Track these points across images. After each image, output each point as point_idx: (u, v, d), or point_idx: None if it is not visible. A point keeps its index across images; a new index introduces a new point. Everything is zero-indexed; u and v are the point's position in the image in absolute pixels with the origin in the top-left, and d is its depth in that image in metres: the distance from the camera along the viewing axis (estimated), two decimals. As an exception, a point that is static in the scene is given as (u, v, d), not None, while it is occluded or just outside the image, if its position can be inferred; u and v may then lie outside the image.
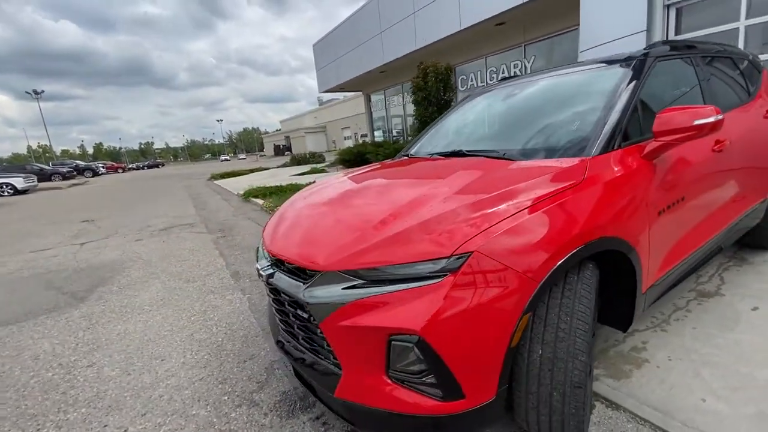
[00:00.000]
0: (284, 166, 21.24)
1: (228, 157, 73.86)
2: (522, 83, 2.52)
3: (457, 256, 1.17)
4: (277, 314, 1.75)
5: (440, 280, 1.17)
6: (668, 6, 6.01)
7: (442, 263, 1.18)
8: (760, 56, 4.15)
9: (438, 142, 2.57)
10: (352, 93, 25.31)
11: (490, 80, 13.07)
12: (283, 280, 1.52)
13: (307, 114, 65.09)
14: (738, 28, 5.36)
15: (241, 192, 10.15)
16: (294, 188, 9.30)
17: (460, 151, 2.06)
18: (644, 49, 2.07)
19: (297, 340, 1.59)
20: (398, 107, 18.49)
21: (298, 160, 20.96)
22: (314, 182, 2.46)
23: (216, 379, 2.20)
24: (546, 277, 1.22)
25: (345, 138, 45.16)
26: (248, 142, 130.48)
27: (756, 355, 1.84)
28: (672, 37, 6.13)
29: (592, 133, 1.69)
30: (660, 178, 1.71)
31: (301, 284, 1.40)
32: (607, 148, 1.63)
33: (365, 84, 19.10)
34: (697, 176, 1.94)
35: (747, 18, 5.30)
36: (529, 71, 11.75)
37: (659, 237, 1.68)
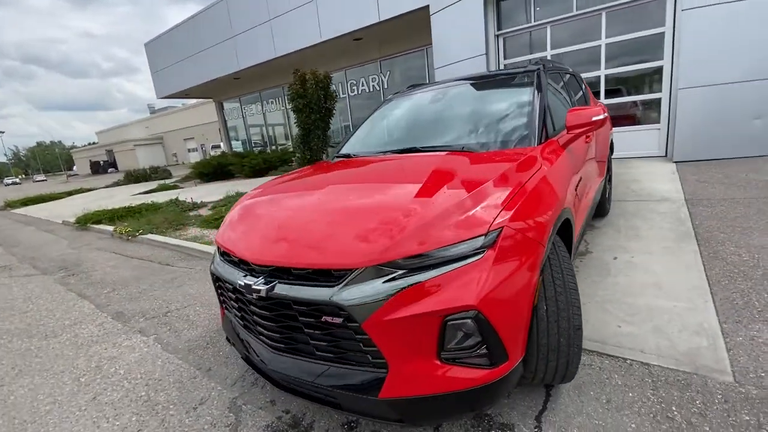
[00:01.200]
0: (117, 184, 17.62)
1: (18, 180, 56.42)
2: (441, 89, 2.84)
3: (494, 232, 1.29)
4: (268, 338, 1.54)
5: (482, 255, 1.26)
6: (498, 36, 7.49)
7: (481, 240, 1.28)
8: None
9: (376, 141, 2.66)
10: (199, 100, 22.84)
11: (351, 92, 13.76)
12: (295, 290, 1.36)
13: (134, 123, 55.43)
14: (547, 55, 7.09)
15: (71, 219, 8.03)
16: (151, 208, 7.88)
17: (414, 147, 2.20)
18: (536, 64, 2.60)
19: (311, 356, 1.44)
20: (257, 116, 17.61)
21: (136, 177, 17.68)
22: (251, 190, 2.22)
23: (168, 438, 1.77)
24: (548, 242, 1.45)
25: (189, 150, 40.27)
26: (47, 159, 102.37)
27: (630, 288, 2.53)
28: (501, 59, 7.67)
29: (528, 130, 2.05)
30: (570, 162, 2.19)
31: (329, 288, 1.29)
32: (542, 140, 2.02)
33: (216, 91, 17.53)
34: (583, 161, 2.55)
35: (551, 49, 7.07)
36: (386, 86, 12.82)
37: (577, 206, 2.15)
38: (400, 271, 1.26)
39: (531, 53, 7.37)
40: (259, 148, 16.53)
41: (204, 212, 7.31)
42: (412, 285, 1.23)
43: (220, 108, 19.17)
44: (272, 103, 16.75)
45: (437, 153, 2.05)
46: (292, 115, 15.93)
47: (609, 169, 4.06)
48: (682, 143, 6.00)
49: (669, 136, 6.35)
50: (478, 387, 1.28)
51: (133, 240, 5.88)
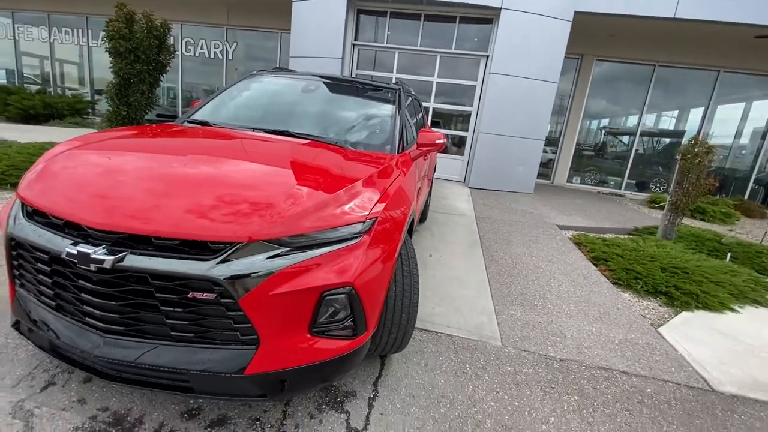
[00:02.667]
0: None
1: None
2: (312, 80, 2.91)
3: (370, 220, 1.48)
4: (100, 319, 1.30)
5: (359, 239, 1.44)
6: (354, 45, 7.97)
7: (360, 227, 1.45)
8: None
9: (240, 115, 2.50)
10: None
11: (186, 52, 11.96)
12: (157, 263, 1.20)
13: None
14: (392, 77, 7.97)
15: None
16: None
17: (287, 131, 2.21)
18: (397, 84, 2.99)
19: (161, 337, 1.29)
20: (40, 44, 13.12)
21: None
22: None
23: None
24: (404, 234, 1.75)
25: None
26: None
27: (443, 280, 3.18)
28: (354, 68, 8.18)
29: (391, 139, 2.37)
30: (416, 173, 2.63)
31: (203, 262, 1.21)
32: (400, 150, 2.36)
33: (-34, -11, 12.17)
34: (422, 173, 3.07)
35: (397, 72, 7.99)
36: (230, 57, 11.74)
37: (417, 208, 2.60)
38: (285, 248, 1.30)
39: (379, 71, 8.15)
40: (36, 87, 12.29)
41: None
42: (297, 262, 1.29)
43: (-31, 15, 13.31)
44: (67, 33, 12.78)
45: (315, 141, 2.12)
46: (97, 58, 12.67)
47: (431, 186, 4.94)
48: (476, 174, 7.78)
49: (468, 167, 8.12)
50: (339, 356, 1.44)
51: None
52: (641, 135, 9.89)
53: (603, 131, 10.82)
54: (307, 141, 2.13)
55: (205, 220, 1.25)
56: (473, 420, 1.73)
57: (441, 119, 8.46)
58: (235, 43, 11.72)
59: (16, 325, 1.53)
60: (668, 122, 10.41)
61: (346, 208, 1.47)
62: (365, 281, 1.42)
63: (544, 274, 3.59)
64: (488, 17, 7.37)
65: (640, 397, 2.02)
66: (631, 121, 10.11)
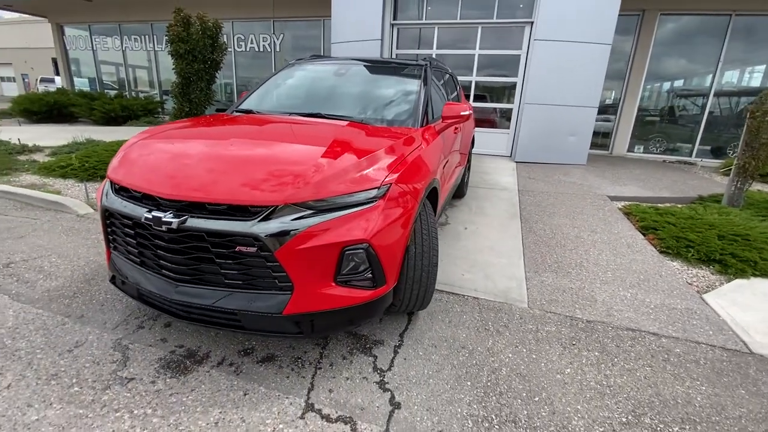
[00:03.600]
0: None
1: None
2: (343, 64, 3.11)
3: (385, 186, 1.67)
4: (172, 270, 1.64)
5: (374, 203, 1.63)
6: (393, 25, 7.99)
7: (375, 192, 1.65)
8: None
9: (280, 102, 2.79)
10: (25, 15, 17.76)
11: (238, 48, 12.69)
12: (211, 223, 1.50)
13: None
14: (433, 53, 7.91)
15: None
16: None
17: (319, 113, 2.45)
18: (425, 60, 3.08)
19: (218, 285, 1.61)
20: (114, 52, 14.68)
21: None
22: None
23: (42, 377, 1.68)
24: (421, 200, 1.91)
25: (4, 79, 30.88)
26: None
27: (473, 249, 3.29)
28: (394, 48, 8.22)
29: (414, 113, 2.51)
30: (442, 144, 2.74)
31: (246, 222, 1.49)
32: (423, 124, 2.49)
33: (56, 9, 13.97)
34: (451, 147, 3.17)
35: (437, 49, 7.91)
36: (278, 49, 12.25)
37: (443, 180, 2.73)
38: (310, 211, 1.54)
39: (420, 48, 8.11)
40: (114, 92, 13.86)
41: (41, 158, 6.03)
42: (321, 222, 1.52)
43: (60, 32, 15.24)
44: (136, 41, 14.16)
45: (340, 121, 2.34)
46: (163, 61, 13.92)
47: (469, 161, 4.95)
48: (523, 147, 7.55)
49: (514, 141, 7.89)
50: (362, 304, 1.66)
51: (-69, 182, 4.55)
52: (716, 95, 8.85)
53: (670, 94, 9.82)
54: (336, 120, 2.34)
55: (246, 189, 1.53)
56: (489, 368, 1.88)
57: (486, 93, 8.25)
58: (281, 35, 12.22)
59: (112, 280, 1.94)
60: (749, 79, 9.17)
61: (362, 175, 1.66)
62: (380, 239, 1.62)
63: (583, 244, 3.54)
64: (532, -20, 6.98)
65: (666, 356, 2.03)
66: (703, 80, 9.07)
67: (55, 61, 24.69)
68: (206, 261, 1.59)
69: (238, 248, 1.52)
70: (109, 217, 1.80)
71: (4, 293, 2.33)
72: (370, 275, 1.65)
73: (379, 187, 1.66)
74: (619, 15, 6.69)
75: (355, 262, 1.60)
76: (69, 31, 15.24)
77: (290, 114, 2.49)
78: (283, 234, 1.48)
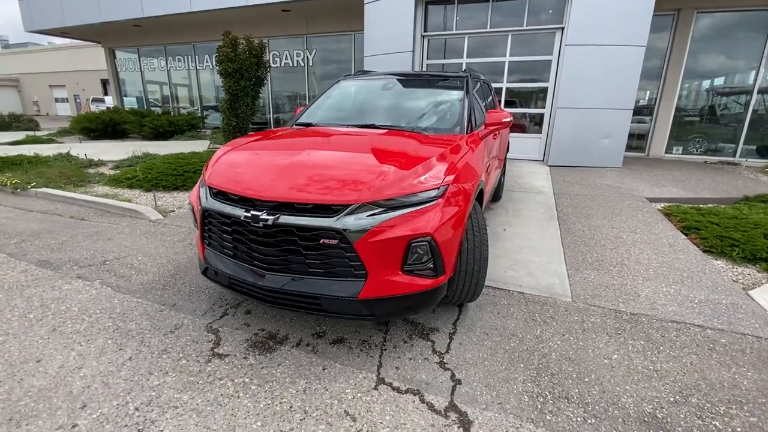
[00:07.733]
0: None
1: None
2: (390, 79, 3.38)
3: (443, 187, 1.89)
4: (264, 261, 1.92)
5: (435, 202, 1.86)
6: (424, 36, 8.28)
7: (435, 192, 1.88)
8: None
9: (334, 115, 3.10)
10: (75, 41, 19.36)
11: (273, 64, 13.36)
12: (300, 220, 1.78)
13: (-27, 56, 43.46)
14: (463, 63, 8.12)
15: None
16: (35, 160, 6.81)
17: (374, 124, 2.72)
18: (465, 72, 3.31)
19: (303, 273, 1.87)
20: (159, 72, 15.78)
21: (-13, 125, 14.41)
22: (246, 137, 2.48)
23: (155, 351, 2.01)
24: (472, 200, 2.12)
25: (58, 100, 33.55)
26: None
27: (514, 249, 3.45)
28: (425, 59, 8.49)
29: (460, 122, 2.73)
30: (485, 149, 2.94)
31: (329, 218, 1.75)
32: (468, 131, 2.71)
33: (109, 35, 15.21)
34: (491, 150, 3.36)
35: (467, 57, 8.11)
36: (311, 63, 12.80)
37: (486, 182, 2.92)
38: (381, 209, 1.78)
39: (449, 58, 8.34)
40: (160, 109, 14.90)
41: (106, 170, 6.67)
42: (391, 218, 1.77)
43: (111, 56, 16.59)
44: (179, 60, 15.19)
45: (396, 131, 2.60)
46: (202, 78, 14.85)
47: (504, 165, 5.10)
48: (556, 151, 7.58)
49: (547, 145, 7.93)
50: (425, 291, 1.89)
51: (22, 193, 5.19)
52: (760, 92, 8.54)
53: (709, 92, 9.55)
54: (390, 131, 2.60)
55: (329, 191, 1.80)
56: (540, 353, 2.05)
57: (516, 98, 8.35)
58: (314, 50, 12.78)
59: (205, 272, 2.26)
60: (797, 73, 8.79)
61: (423, 178, 1.90)
62: (441, 233, 1.84)
63: (623, 243, 3.62)
64: (562, -13, 7.08)
65: (711, 345, 2.12)
66: (746, 77, 8.78)
67: (103, 82, 26.76)
68: (293, 252, 1.86)
69: (321, 240, 1.79)
70: (207, 217, 2.12)
71: (107, 285, 2.72)
72: (432, 265, 1.87)
73: (438, 188, 1.89)
74: (653, 15, 6.67)
75: (419, 253, 1.83)
76: (120, 54, 16.54)
77: (348, 126, 2.78)
78: (359, 228, 1.73)
